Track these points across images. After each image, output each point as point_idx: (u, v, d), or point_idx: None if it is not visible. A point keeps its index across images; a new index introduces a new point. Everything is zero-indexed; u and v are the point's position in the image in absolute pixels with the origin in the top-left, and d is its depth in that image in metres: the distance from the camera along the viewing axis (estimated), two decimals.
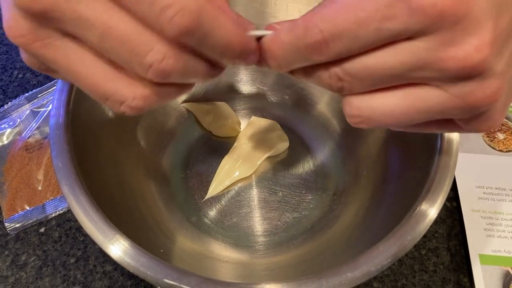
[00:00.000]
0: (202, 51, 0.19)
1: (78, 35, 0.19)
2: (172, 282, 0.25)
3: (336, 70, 0.19)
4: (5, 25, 0.19)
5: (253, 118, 0.44)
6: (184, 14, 0.17)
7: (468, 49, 0.17)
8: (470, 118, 0.20)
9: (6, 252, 0.39)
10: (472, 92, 0.18)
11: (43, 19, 0.18)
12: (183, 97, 0.44)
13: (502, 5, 0.17)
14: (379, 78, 0.19)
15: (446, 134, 0.31)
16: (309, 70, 0.20)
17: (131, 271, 0.26)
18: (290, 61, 0.20)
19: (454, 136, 0.31)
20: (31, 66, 0.22)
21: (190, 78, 0.20)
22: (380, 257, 0.26)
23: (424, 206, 0.28)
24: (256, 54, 0.20)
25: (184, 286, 0.25)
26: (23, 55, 0.21)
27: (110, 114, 0.36)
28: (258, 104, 0.46)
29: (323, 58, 0.19)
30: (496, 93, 0.19)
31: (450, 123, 0.21)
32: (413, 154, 0.33)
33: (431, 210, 0.28)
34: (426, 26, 0.17)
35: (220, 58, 0.19)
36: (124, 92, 0.20)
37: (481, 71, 0.18)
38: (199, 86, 0.44)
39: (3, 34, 0.53)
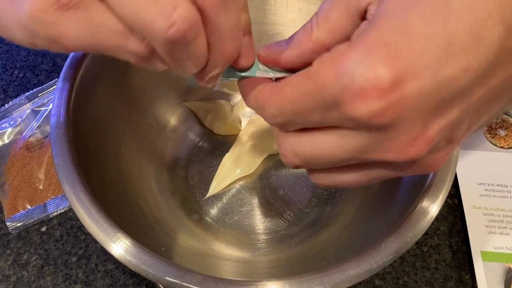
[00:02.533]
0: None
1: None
2: (174, 280, 0.25)
3: (292, 152, 0.22)
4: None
5: (254, 116, 0.44)
6: None
7: (400, 144, 0.19)
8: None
9: (8, 251, 0.39)
10: (419, 168, 0.21)
11: None
12: (184, 96, 0.44)
13: (450, 100, 0.18)
14: (327, 162, 0.22)
15: None
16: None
17: (132, 269, 0.26)
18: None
19: None
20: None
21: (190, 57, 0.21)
22: (382, 254, 0.26)
23: (425, 203, 0.28)
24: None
25: (185, 284, 0.25)
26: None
27: (111, 112, 0.36)
28: None
29: (280, 129, 0.23)
30: (443, 160, 0.21)
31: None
32: None
33: (432, 207, 0.28)
34: (360, 128, 0.19)
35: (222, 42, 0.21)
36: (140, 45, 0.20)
37: (420, 158, 0.19)
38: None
39: None
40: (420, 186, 0.29)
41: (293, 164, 0.23)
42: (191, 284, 0.25)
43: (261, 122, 0.44)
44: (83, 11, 0.19)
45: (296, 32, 0.24)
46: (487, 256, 0.37)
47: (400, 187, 0.33)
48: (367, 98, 0.17)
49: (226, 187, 0.41)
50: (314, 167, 0.23)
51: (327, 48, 0.22)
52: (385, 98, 0.17)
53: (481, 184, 0.41)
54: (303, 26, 0.24)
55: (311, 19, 0.23)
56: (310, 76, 0.19)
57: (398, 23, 0.17)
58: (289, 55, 0.24)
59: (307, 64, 0.23)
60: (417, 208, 0.28)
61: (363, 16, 0.21)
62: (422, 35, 0.17)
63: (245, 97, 0.24)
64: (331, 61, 0.18)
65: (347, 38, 0.22)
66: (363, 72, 0.17)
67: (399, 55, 0.17)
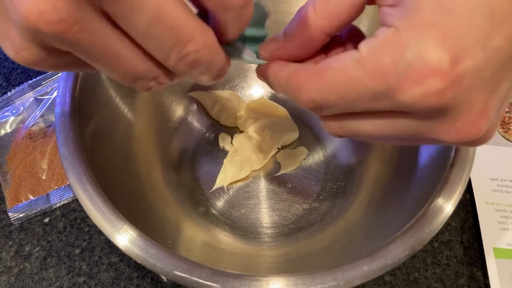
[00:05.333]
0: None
1: (123, 16, 0.17)
2: (182, 275, 0.24)
3: (334, 124, 0.22)
4: (29, 8, 0.16)
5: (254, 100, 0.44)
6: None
7: (461, 125, 0.18)
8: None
9: (10, 243, 0.39)
10: (468, 144, 0.20)
11: None
12: (191, 85, 0.43)
13: (499, 71, 0.18)
14: (375, 139, 0.21)
15: None
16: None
17: (139, 262, 0.25)
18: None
19: None
20: (27, 62, 0.19)
21: (210, 72, 0.21)
22: (398, 250, 0.25)
23: (441, 199, 0.27)
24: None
25: (195, 279, 0.24)
26: (17, 50, 0.18)
27: (116, 101, 0.36)
28: (267, 93, 0.45)
29: (314, 111, 0.22)
30: (491, 135, 0.20)
31: None
32: (429, 146, 0.32)
33: (449, 203, 0.27)
34: (416, 114, 0.18)
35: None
36: (154, 74, 0.20)
37: (478, 137, 0.19)
38: None
39: None
40: (434, 181, 0.29)
41: (338, 135, 0.22)
42: (200, 279, 0.24)
43: (269, 116, 0.43)
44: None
45: (290, 22, 0.23)
46: (499, 252, 0.37)
47: (413, 182, 0.32)
48: (425, 81, 0.17)
49: (234, 181, 0.40)
50: (360, 139, 0.22)
51: (328, 35, 0.21)
52: (443, 80, 0.17)
53: (493, 179, 0.40)
54: (298, 12, 0.22)
55: (307, 4, 0.22)
56: (360, 62, 0.18)
57: (438, 1, 0.17)
58: (288, 50, 0.23)
59: (309, 54, 0.23)
60: (434, 203, 0.27)
61: (369, 1, 0.21)
62: (465, 9, 0.17)
63: (272, 79, 0.23)
64: (383, 47, 0.18)
65: (348, 23, 0.21)
66: (421, 57, 0.17)
67: (449, 34, 0.17)
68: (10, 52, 0.18)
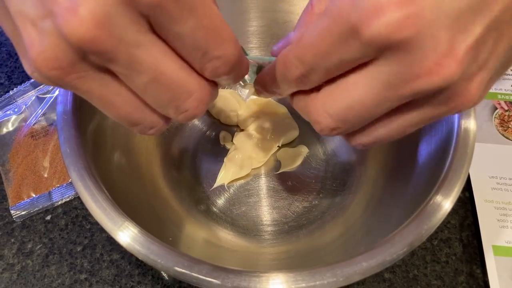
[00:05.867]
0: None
1: (124, 75, 0.19)
2: (183, 271, 0.24)
3: (324, 114, 0.21)
4: (36, 53, 0.18)
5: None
6: (226, 65, 0.20)
7: (429, 65, 0.17)
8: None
9: (12, 240, 0.39)
10: (454, 102, 0.19)
11: (93, 56, 0.18)
12: None
13: (469, 13, 0.17)
14: (362, 113, 0.20)
15: (463, 124, 0.30)
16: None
17: (140, 258, 0.25)
18: (282, 90, 0.23)
19: (471, 126, 0.30)
20: (39, 81, 0.21)
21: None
22: (396, 246, 0.25)
23: (440, 196, 0.27)
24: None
25: (195, 275, 0.24)
26: (31, 71, 0.20)
27: None
28: None
29: (306, 86, 0.22)
30: (478, 91, 0.19)
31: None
32: (429, 144, 0.32)
33: (447, 200, 0.27)
34: (382, 52, 0.18)
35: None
36: (153, 119, 0.21)
37: (454, 82, 0.18)
38: None
39: None
40: (433, 179, 0.29)
41: (328, 128, 0.22)
42: (200, 275, 0.24)
43: (270, 114, 0.43)
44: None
45: (299, 19, 0.23)
46: (498, 250, 0.37)
47: (412, 180, 0.33)
48: (383, 13, 0.16)
49: (234, 179, 0.40)
50: (351, 124, 0.21)
51: None
52: (402, 10, 0.16)
53: (493, 177, 0.41)
54: (304, 9, 0.23)
55: None
56: (325, 13, 0.19)
57: None
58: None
59: None
60: (432, 201, 0.27)
61: None
62: None
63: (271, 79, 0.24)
64: None
65: None
66: None
67: None
68: (27, 71, 0.20)
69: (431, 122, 0.21)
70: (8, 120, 0.44)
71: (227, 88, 0.44)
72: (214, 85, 0.21)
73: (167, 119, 0.22)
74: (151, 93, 0.19)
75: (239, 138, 0.42)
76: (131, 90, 0.20)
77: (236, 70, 0.21)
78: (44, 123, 0.44)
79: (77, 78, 0.18)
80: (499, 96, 0.46)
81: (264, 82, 0.25)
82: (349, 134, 0.23)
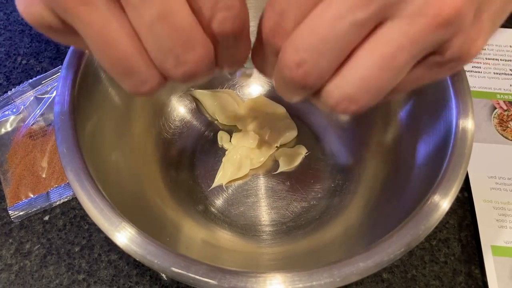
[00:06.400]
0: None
1: (133, 6, 0.18)
2: (179, 271, 0.24)
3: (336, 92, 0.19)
4: None
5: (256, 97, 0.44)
6: (235, 20, 0.19)
7: (437, 3, 0.16)
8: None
9: (10, 240, 0.39)
10: (454, 53, 0.18)
11: None
12: (190, 84, 0.43)
13: None
14: (385, 86, 0.19)
15: (461, 124, 0.30)
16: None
17: (137, 259, 0.25)
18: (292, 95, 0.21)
19: (469, 126, 0.30)
20: (31, 19, 0.20)
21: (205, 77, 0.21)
22: (394, 246, 0.25)
23: (437, 196, 0.27)
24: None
25: (192, 275, 0.24)
26: (27, 4, 0.19)
27: (115, 100, 0.36)
28: (266, 92, 0.45)
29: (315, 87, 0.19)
30: (475, 42, 0.18)
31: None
32: (426, 144, 0.32)
33: (445, 200, 0.27)
34: (383, 11, 0.17)
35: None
36: (148, 72, 0.20)
37: (461, 14, 0.17)
38: None
39: (7, 20, 0.52)
40: (431, 179, 0.29)
41: (351, 111, 0.20)
42: (197, 275, 0.24)
43: (268, 114, 0.43)
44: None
45: None
46: (497, 250, 0.37)
47: (411, 180, 0.33)
48: None
49: (233, 179, 0.40)
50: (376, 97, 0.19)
51: None
52: None
53: (491, 177, 0.41)
54: None
55: None
56: None
57: None
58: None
59: None
60: (430, 201, 0.27)
61: None
62: None
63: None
64: None
65: None
66: None
67: None
68: (20, 6, 0.19)
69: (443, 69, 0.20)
70: (6, 121, 0.44)
71: (230, 73, 0.44)
72: (217, 55, 0.20)
73: (162, 77, 0.20)
74: (155, 33, 0.18)
75: (237, 138, 0.42)
76: (134, 30, 0.18)
77: (240, 37, 0.20)
78: (42, 123, 0.44)
79: (83, 3, 0.17)
80: (498, 96, 0.46)
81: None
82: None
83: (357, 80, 0.18)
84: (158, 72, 0.20)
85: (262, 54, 0.21)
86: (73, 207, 0.40)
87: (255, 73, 0.45)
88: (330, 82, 0.19)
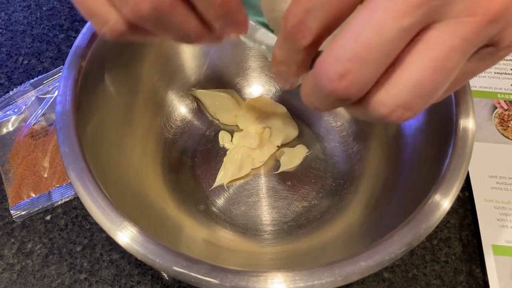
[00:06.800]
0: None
1: None
2: (181, 270, 0.24)
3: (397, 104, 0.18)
4: None
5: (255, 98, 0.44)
6: None
7: (481, 3, 0.16)
8: None
9: (12, 240, 0.39)
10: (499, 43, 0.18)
11: None
12: (191, 85, 0.43)
13: None
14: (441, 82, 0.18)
15: (461, 123, 0.30)
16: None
17: (139, 258, 0.25)
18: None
19: (470, 125, 0.30)
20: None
21: (172, 30, 0.21)
22: (395, 245, 0.25)
23: (438, 195, 0.27)
24: (241, 23, 0.22)
25: (193, 274, 0.24)
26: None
27: (117, 100, 0.36)
28: (266, 92, 0.45)
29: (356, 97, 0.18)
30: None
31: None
32: (427, 143, 0.32)
33: (446, 199, 0.27)
34: (430, 14, 0.17)
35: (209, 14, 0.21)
36: (108, 16, 0.21)
37: (509, 12, 0.17)
38: (207, 72, 0.44)
39: (9, 20, 0.53)
40: (432, 179, 0.29)
41: (405, 117, 0.19)
42: (199, 274, 0.24)
43: (269, 114, 0.43)
44: None
45: None
46: (498, 250, 0.37)
47: (412, 179, 0.33)
48: None
49: (234, 179, 0.40)
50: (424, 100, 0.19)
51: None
52: None
53: (492, 177, 0.41)
54: None
55: None
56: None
57: None
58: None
59: None
60: (431, 200, 0.27)
61: None
62: None
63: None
64: None
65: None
66: None
67: None
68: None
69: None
70: (8, 121, 0.44)
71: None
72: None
73: (124, 20, 0.21)
74: None
75: (238, 138, 0.42)
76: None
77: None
78: (44, 123, 0.44)
79: None
80: (499, 95, 0.46)
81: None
82: None
83: (411, 86, 0.18)
84: (118, 15, 0.21)
85: (285, 50, 0.21)
86: (75, 206, 0.41)
87: (255, 73, 0.45)
88: (379, 91, 0.18)
